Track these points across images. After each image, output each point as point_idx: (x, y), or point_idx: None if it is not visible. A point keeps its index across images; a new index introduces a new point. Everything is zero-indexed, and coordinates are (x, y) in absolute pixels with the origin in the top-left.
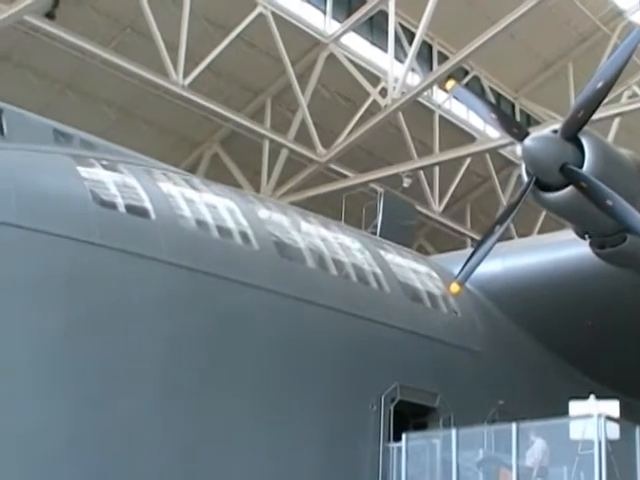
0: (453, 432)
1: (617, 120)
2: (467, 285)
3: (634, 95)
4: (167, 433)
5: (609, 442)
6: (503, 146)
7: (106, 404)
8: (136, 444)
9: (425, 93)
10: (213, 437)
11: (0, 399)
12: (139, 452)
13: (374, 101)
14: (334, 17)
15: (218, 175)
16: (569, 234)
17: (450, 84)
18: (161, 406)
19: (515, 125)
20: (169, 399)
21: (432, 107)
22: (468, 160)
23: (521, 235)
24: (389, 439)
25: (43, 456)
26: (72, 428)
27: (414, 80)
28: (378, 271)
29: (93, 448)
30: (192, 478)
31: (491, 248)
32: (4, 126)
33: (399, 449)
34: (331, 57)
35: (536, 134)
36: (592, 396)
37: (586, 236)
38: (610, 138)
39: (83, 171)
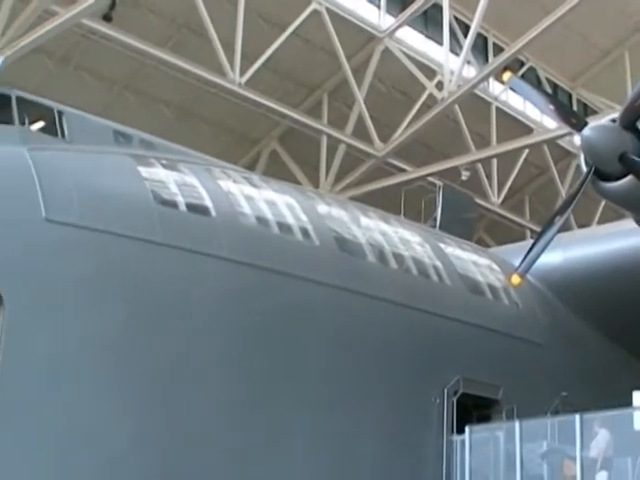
0: (516, 424)
1: None
2: (528, 277)
3: None
4: (231, 429)
5: None
6: (561, 136)
7: (169, 402)
8: (200, 442)
9: (481, 85)
10: (277, 432)
11: (66, 398)
12: (203, 450)
13: (430, 94)
14: (388, 11)
15: (277, 172)
16: (629, 223)
17: (507, 76)
18: (225, 403)
19: (573, 115)
20: (233, 396)
21: (489, 99)
22: (526, 151)
23: (580, 226)
24: (452, 432)
25: (108, 455)
26: (136, 426)
27: (470, 72)
28: (438, 264)
29: (157, 446)
30: (256, 472)
31: (551, 239)
32: (65, 128)
33: (462, 442)
34: (386, 51)
35: (594, 124)
36: None
37: None
38: None
39: (144, 171)
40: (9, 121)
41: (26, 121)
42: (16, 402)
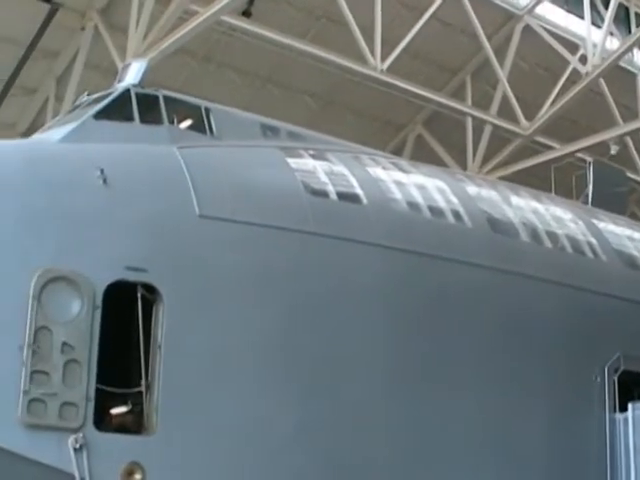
0: None
1: None
2: None
3: None
4: (393, 416)
5: None
6: None
7: (331, 392)
8: (364, 431)
9: (625, 56)
10: (439, 417)
11: (230, 393)
12: (365, 439)
13: (574, 69)
14: None
15: (424, 156)
16: None
17: None
18: (385, 390)
19: None
20: (393, 383)
21: (634, 70)
22: None
23: None
24: (614, 410)
25: (272, 446)
26: (299, 417)
27: (613, 44)
28: (593, 240)
29: (320, 437)
30: (421, 459)
31: None
32: (213, 125)
33: (625, 419)
34: (527, 29)
35: None
36: None
37: None
38: None
39: (293, 162)
40: (158, 121)
41: (174, 120)
42: (180, 400)
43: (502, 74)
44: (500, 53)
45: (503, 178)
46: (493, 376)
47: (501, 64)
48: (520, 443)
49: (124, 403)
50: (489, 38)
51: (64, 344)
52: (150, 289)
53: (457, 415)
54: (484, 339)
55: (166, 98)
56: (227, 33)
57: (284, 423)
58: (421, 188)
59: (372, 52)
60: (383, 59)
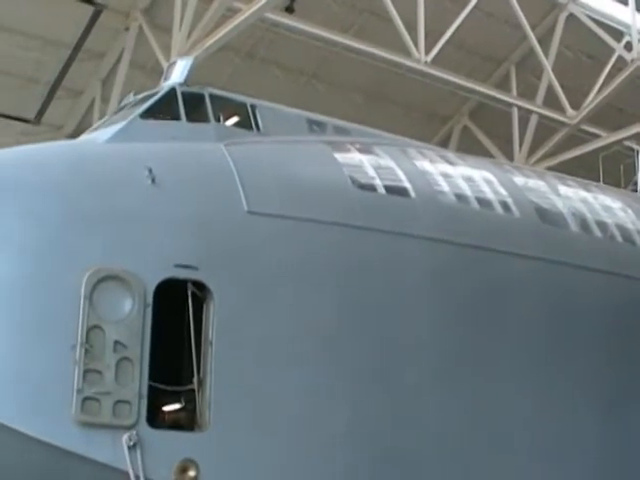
0: None
1: None
2: None
3: None
4: (446, 407)
5: None
6: None
7: (383, 384)
8: (416, 422)
9: None
10: (492, 408)
11: (284, 388)
12: (420, 429)
13: (619, 56)
14: None
15: (470, 147)
16: None
17: None
18: (438, 381)
19: None
20: (445, 373)
21: None
22: None
23: None
24: None
25: (326, 439)
26: (352, 410)
27: None
28: None
29: (374, 429)
30: (474, 446)
31: None
32: (259, 121)
33: None
34: (571, 17)
35: None
36: None
37: None
38: None
39: (340, 157)
40: (204, 119)
41: (220, 117)
42: (233, 395)
43: (547, 63)
44: (544, 42)
45: (550, 168)
46: (544, 365)
47: (545, 53)
48: (576, 431)
49: (177, 400)
50: (533, 27)
51: (116, 343)
52: (200, 286)
53: (511, 405)
54: (534, 329)
55: (212, 96)
56: (271, 29)
57: (337, 416)
58: (469, 180)
59: (416, 45)
60: (427, 51)
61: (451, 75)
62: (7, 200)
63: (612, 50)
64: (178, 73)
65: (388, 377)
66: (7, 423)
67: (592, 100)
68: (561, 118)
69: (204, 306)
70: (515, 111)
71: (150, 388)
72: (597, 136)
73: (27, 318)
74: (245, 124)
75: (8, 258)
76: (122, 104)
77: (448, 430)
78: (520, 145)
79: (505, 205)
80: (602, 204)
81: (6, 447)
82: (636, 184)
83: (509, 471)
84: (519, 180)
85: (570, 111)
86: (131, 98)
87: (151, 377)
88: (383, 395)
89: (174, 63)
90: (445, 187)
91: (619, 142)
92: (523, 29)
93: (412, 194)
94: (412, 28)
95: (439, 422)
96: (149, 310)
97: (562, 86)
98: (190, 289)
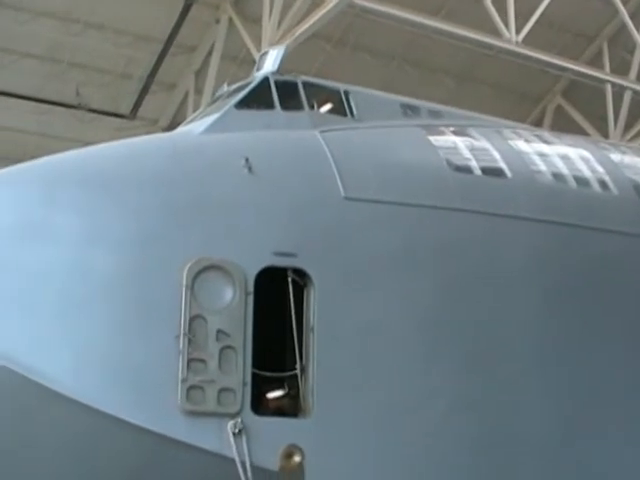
0: None
1: None
2: None
3: None
4: (549, 388)
5: None
6: None
7: (486, 367)
8: (520, 404)
9: None
10: (595, 389)
11: (384, 370)
12: (523, 412)
13: None
14: None
15: (564, 126)
16: None
17: None
18: (541, 362)
19: None
20: (548, 354)
21: None
22: None
23: None
24: None
25: (429, 424)
26: (455, 393)
27: None
28: None
29: (477, 413)
30: (576, 428)
31: None
32: (353, 107)
33: None
34: None
35: None
36: None
37: None
38: None
39: (435, 140)
40: (298, 107)
41: (314, 105)
42: (336, 381)
43: (639, 38)
44: (636, 17)
45: None
46: None
47: (638, 28)
48: None
49: (280, 387)
50: (624, 2)
51: (219, 331)
52: (300, 273)
53: (613, 386)
54: (633, 309)
55: (305, 84)
56: (360, 15)
57: (440, 400)
58: (565, 158)
59: (506, 25)
60: (518, 31)
61: (543, 54)
62: (108, 194)
63: None
64: (270, 62)
65: (491, 359)
66: (114, 413)
67: None
68: None
69: (304, 293)
70: (609, 88)
71: (253, 375)
72: None
73: (130, 310)
74: (339, 110)
75: (111, 251)
76: (216, 95)
77: (551, 414)
78: (615, 122)
79: (603, 183)
80: None
81: (113, 437)
82: None
83: (611, 456)
84: (616, 157)
85: None
86: (225, 89)
87: (254, 364)
88: (485, 380)
89: (266, 53)
90: (541, 166)
91: None
92: (614, 4)
93: (508, 174)
94: (502, 8)
95: (543, 406)
96: (250, 298)
97: None
98: (290, 276)
